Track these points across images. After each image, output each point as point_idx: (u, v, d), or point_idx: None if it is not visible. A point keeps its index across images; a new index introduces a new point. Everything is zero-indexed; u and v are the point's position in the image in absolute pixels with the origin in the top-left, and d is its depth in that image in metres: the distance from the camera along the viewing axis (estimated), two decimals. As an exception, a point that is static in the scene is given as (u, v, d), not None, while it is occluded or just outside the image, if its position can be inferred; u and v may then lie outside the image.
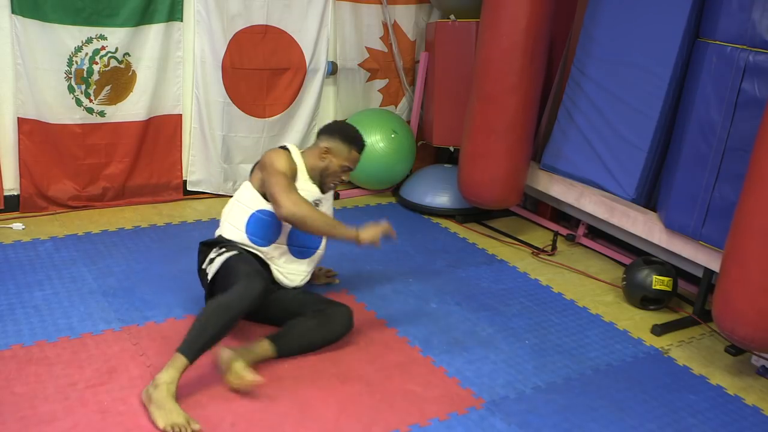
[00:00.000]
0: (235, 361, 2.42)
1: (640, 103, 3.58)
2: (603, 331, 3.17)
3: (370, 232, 2.69)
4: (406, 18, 4.73)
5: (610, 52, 3.73)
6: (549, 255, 3.95)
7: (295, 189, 2.70)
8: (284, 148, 2.89)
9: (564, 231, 4.19)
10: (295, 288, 2.89)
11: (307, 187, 2.84)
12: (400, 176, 4.61)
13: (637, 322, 3.28)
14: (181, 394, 2.42)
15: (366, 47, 4.64)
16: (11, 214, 3.79)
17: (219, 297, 2.48)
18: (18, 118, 3.70)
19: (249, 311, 2.50)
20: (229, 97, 4.20)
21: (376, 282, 3.41)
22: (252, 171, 2.88)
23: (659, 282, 3.34)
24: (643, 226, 3.56)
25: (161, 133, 4.13)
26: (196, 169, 4.29)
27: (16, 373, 2.46)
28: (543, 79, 3.86)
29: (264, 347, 2.59)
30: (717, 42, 3.16)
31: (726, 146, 3.09)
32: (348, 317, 2.80)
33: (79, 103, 3.82)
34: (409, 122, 4.81)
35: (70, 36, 3.68)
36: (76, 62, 3.74)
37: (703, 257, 3.29)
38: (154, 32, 3.90)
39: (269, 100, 4.34)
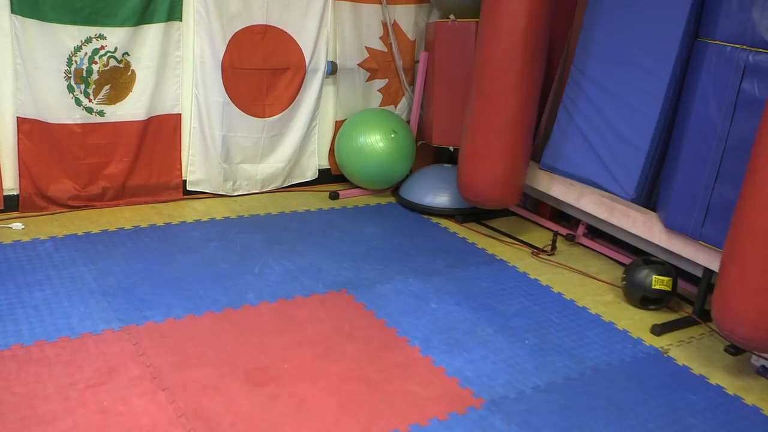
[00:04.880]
0: None
1: (640, 103, 3.58)
2: (603, 331, 3.17)
3: None
4: (406, 18, 4.73)
5: (610, 52, 3.73)
6: (549, 255, 3.95)
7: None
8: None
9: (564, 231, 4.19)
10: None
11: None
12: (400, 176, 4.61)
13: (637, 322, 3.28)
14: (181, 395, 2.43)
15: (366, 47, 4.64)
16: (11, 214, 3.79)
17: None
18: (17, 117, 3.70)
19: None
20: (229, 97, 4.19)
21: (376, 282, 3.41)
22: None
23: (659, 282, 3.34)
24: (643, 226, 3.56)
25: (161, 133, 4.12)
26: (195, 169, 4.29)
27: (16, 373, 2.46)
28: (543, 79, 3.86)
29: None
30: (717, 42, 3.16)
31: (726, 146, 3.09)
32: None
33: (78, 102, 3.81)
34: (408, 122, 4.81)
35: (70, 35, 3.68)
36: (76, 62, 3.74)
37: (703, 257, 3.29)
38: (153, 32, 3.89)
39: (269, 100, 4.34)
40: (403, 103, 4.93)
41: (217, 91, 4.16)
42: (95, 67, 3.80)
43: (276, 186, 4.57)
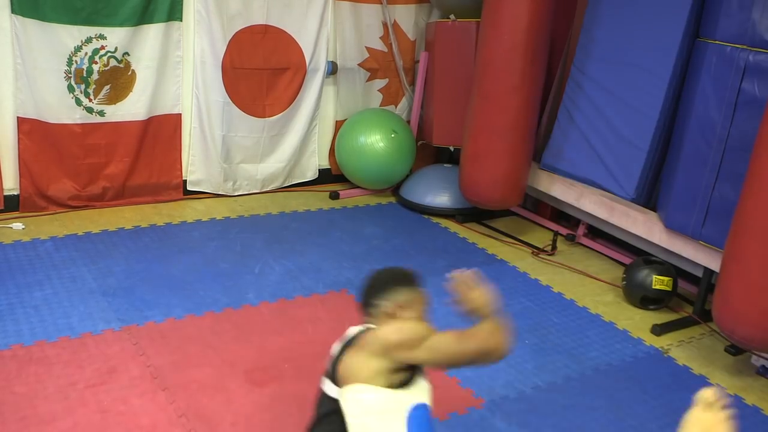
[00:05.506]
0: None
1: (640, 103, 3.58)
2: (603, 331, 3.17)
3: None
4: (406, 18, 4.73)
5: (610, 52, 3.73)
6: (549, 255, 3.94)
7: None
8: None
9: (564, 231, 4.19)
10: None
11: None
12: (400, 176, 4.61)
13: (637, 322, 3.28)
14: (181, 395, 2.43)
15: (366, 47, 4.64)
16: (11, 214, 3.79)
17: None
18: (18, 117, 3.69)
19: None
20: (229, 97, 4.19)
21: (376, 282, 3.41)
22: (336, 368, 1.89)
23: (659, 282, 3.34)
24: (643, 226, 3.56)
25: (161, 133, 4.12)
26: (196, 169, 4.29)
27: (16, 373, 2.46)
28: (544, 79, 3.85)
29: None
30: (717, 42, 3.15)
31: (726, 146, 3.09)
32: None
33: (78, 102, 3.81)
34: (409, 122, 4.80)
35: (70, 36, 3.68)
36: (76, 62, 3.74)
37: (703, 257, 3.28)
38: (153, 32, 3.89)
39: (269, 100, 4.34)
40: (404, 103, 4.93)
41: (217, 91, 4.16)
42: (95, 67, 3.80)
43: (276, 186, 4.57)
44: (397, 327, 1.90)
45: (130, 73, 3.91)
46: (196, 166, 4.28)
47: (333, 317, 3.05)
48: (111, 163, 4.00)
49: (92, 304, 2.97)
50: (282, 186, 4.59)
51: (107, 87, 3.87)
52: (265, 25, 4.19)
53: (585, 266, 3.83)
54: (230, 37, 4.10)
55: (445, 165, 4.63)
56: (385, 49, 4.71)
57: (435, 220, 4.32)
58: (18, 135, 3.72)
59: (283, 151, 4.49)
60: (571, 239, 4.12)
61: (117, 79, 3.88)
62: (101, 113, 3.89)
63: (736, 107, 3.05)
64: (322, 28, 4.39)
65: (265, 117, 4.35)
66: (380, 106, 4.83)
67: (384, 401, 1.81)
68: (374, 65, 4.70)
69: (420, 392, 1.89)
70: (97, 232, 3.70)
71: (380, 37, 4.67)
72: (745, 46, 3.03)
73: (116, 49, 3.81)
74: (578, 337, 3.10)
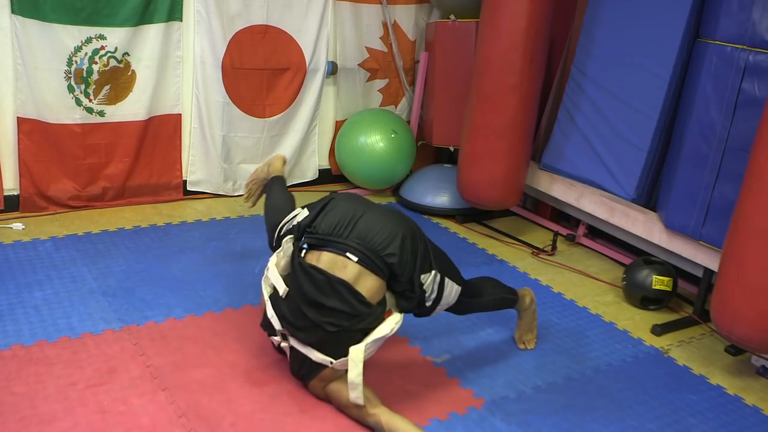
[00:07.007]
0: None
1: (640, 103, 3.58)
2: (603, 331, 3.17)
3: None
4: (406, 18, 4.73)
5: (611, 52, 3.73)
6: (549, 255, 3.95)
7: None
8: None
9: (564, 231, 4.19)
10: None
11: None
12: (400, 176, 4.61)
13: (637, 322, 3.28)
14: (181, 395, 2.43)
15: (366, 47, 4.64)
16: (11, 214, 3.79)
17: None
18: (18, 117, 3.70)
19: None
20: (229, 97, 4.20)
21: (376, 282, 3.41)
22: None
23: (659, 282, 3.34)
24: (643, 226, 3.56)
25: (161, 133, 4.13)
26: (196, 169, 4.29)
27: (16, 373, 2.46)
28: (543, 79, 3.86)
29: None
30: (717, 42, 3.16)
31: (726, 146, 3.09)
32: None
33: (78, 102, 3.82)
34: (409, 122, 4.81)
35: (70, 36, 3.68)
36: (76, 62, 3.74)
37: (703, 257, 3.29)
38: (153, 32, 3.89)
39: (269, 100, 4.34)
40: (404, 103, 4.93)
41: (217, 91, 4.16)
42: (95, 68, 3.80)
43: (276, 186, 4.56)
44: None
45: (130, 73, 3.92)
46: (196, 166, 4.28)
47: (333, 317, 3.05)
48: (111, 163, 4.00)
49: (92, 304, 2.97)
50: (282, 186, 4.59)
51: (107, 87, 3.87)
52: (266, 25, 4.20)
53: (585, 266, 3.83)
54: (230, 37, 4.11)
55: (445, 165, 4.63)
56: (385, 49, 4.71)
57: (435, 220, 4.32)
58: (18, 135, 3.73)
59: (283, 152, 4.49)
60: (571, 239, 4.12)
61: (117, 79, 3.88)
62: (101, 113, 3.90)
63: (736, 107, 3.05)
64: (322, 28, 4.39)
65: (265, 117, 4.35)
66: (380, 106, 4.84)
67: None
68: (374, 65, 4.71)
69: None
70: (97, 232, 3.70)
71: (380, 37, 4.68)
72: (745, 46, 3.03)
73: (116, 49, 3.82)
74: (578, 337, 3.10)
